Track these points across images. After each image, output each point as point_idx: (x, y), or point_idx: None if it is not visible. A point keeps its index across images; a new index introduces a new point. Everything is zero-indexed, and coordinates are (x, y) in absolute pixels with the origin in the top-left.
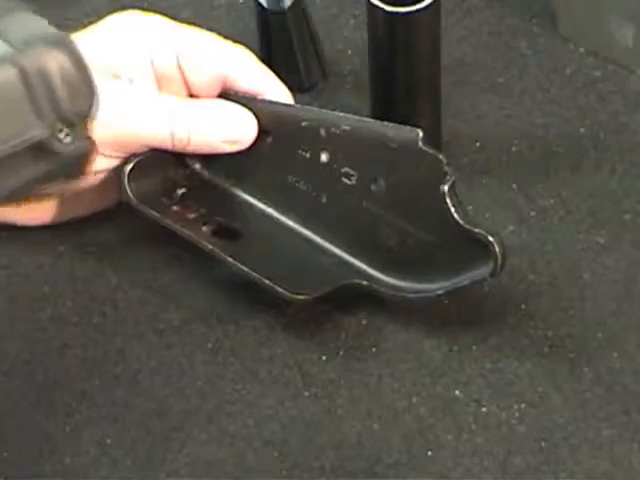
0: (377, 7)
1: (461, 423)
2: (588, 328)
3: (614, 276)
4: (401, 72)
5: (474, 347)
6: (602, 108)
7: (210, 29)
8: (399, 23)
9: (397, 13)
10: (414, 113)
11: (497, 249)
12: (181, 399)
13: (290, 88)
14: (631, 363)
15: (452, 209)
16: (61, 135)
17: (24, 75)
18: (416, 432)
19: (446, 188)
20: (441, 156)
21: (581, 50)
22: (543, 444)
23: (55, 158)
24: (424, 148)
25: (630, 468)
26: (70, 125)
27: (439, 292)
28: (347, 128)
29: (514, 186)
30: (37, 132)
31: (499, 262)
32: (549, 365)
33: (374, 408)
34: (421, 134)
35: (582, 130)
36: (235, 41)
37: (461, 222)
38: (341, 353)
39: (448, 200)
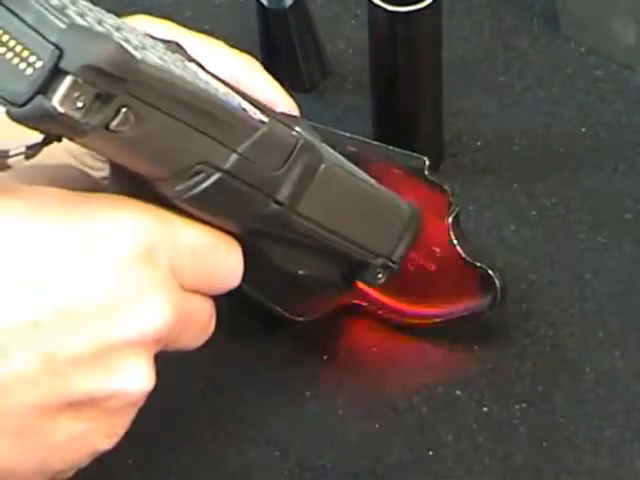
0: (378, 6)
1: (462, 423)
2: (589, 327)
3: (615, 275)
4: (402, 71)
5: (475, 347)
6: (603, 107)
7: (211, 28)
8: (400, 22)
9: (398, 12)
10: (415, 112)
11: (497, 284)
12: (182, 399)
13: (291, 87)
14: (633, 362)
15: (455, 241)
16: None
17: None
18: (417, 432)
19: (450, 220)
20: (446, 186)
21: (582, 49)
22: (544, 444)
23: None
24: (430, 177)
25: (632, 468)
26: None
27: (437, 320)
28: (352, 149)
29: (515, 185)
30: None
31: (499, 296)
32: (550, 364)
33: (375, 408)
34: (427, 163)
35: (583, 129)
36: (236, 40)
37: (463, 255)
38: (342, 352)
39: (451, 232)
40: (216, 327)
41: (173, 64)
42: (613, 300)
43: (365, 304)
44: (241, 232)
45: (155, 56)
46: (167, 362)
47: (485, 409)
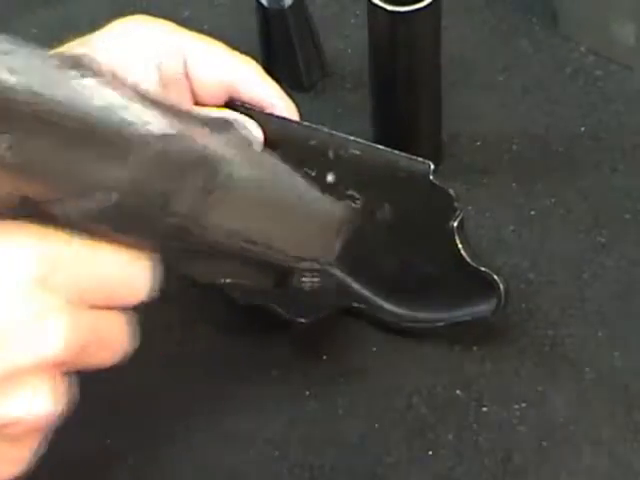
0: (378, 6)
1: (462, 422)
2: (589, 327)
3: (615, 275)
4: (401, 71)
5: (474, 347)
6: (603, 107)
7: (210, 28)
8: (400, 22)
9: (398, 12)
10: (414, 112)
11: (501, 288)
12: (182, 398)
13: (290, 87)
14: (632, 362)
15: (460, 246)
16: None
17: None
18: (417, 431)
19: (455, 224)
20: (451, 191)
21: (582, 49)
22: (544, 443)
23: None
24: (435, 182)
25: (630, 468)
26: None
27: (438, 324)
28: (356, 152)
29: (514, 185)
30: None
31: (503, 301)
32: (550, 364)
33: (375, 407)
34: (433, 167)
35: (583, 129)
36: (235, 40)
37: (468, 259)
38: (342, 352)
39: (456, 237)
40: (215, 326)
41: (56, 84)
42: (613, 300)
43: (365, 308)
44: (147, 247)
45: (35, 79)
46: (166, 362)
47: (485, 409)
